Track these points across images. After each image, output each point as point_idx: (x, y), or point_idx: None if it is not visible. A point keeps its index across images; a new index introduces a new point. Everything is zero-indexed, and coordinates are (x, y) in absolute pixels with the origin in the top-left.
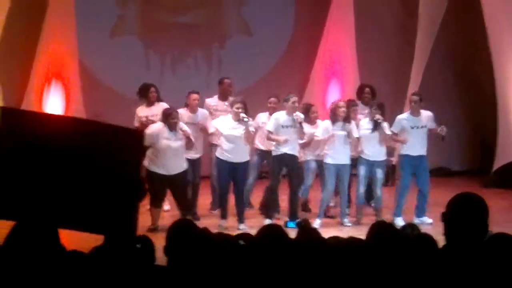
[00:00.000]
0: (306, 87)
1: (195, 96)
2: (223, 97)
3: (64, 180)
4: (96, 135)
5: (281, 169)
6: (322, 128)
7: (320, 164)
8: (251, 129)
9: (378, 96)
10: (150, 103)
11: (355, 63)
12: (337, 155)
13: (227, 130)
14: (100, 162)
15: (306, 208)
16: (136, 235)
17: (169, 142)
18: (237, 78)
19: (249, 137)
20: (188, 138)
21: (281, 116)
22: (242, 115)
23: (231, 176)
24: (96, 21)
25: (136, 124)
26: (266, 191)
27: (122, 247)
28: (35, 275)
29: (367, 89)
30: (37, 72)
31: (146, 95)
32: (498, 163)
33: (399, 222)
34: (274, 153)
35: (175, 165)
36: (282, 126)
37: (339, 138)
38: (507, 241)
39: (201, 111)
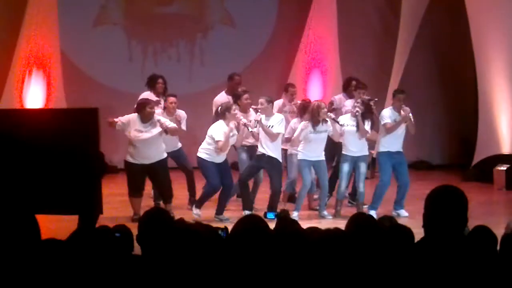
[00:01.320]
0: (287, 78)
1: (172, 99)
2: (231, 92)
3: (26, 168)
4: (50, 120)
5: (261, 165)
6: (300, 130)
7: None
8: (254, 130)
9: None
10: (157, 94)
11: (337, 55)
12: (311, 153)
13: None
14: (57, 145)
15: (293, 200)
16: (101, 211)
17: (140, 134)
18: (219, 69)
19: (241, 141)
20: (165, 130)
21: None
22: (244, 120)
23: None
24: (79, 10)
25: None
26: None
27: (100, 235)
28: (15, 264)
29: (353, 82)
30: (18, 61)
31: (153, 85)
32: (477, 157)
33: (373, 215)
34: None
35: (149, 155)
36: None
37: (315, 140)
38: (486, 234)
39: (179, 112)
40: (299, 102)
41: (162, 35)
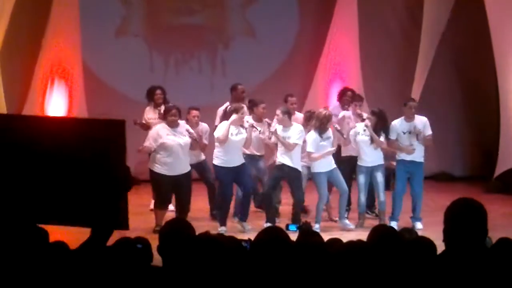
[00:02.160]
0: (309, 89)
1: (195, 112)
2: (236, 102)
3: (49, 178)
4: (76, 130)
5: (281, 176)
6: (310, 142)
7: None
8: (261, 136)
9: (380, 99)
10: (156, 105)
11: (358, 66)
12: (325, 164)
13: (231, 136)
14: (83, 157)
15: (303, 210)
16: (127, 227)
17: (174, 138)
18: (240, 80)
19: (248, 143)
20: (194, 139)
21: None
22: (251, 121)
23: (235, 180)
24: (101, 21)
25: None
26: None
27: (122, 247)
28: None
29: (348, 93)
30: (41, 71)
31: (152, 97)
32: (499, 169)
33: (394, 226)
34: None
35: (180, 165)
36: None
37: (325, 149)
38: (510, 246)
39: (202, 126)
40: (297, 112)
41: (183, 46)
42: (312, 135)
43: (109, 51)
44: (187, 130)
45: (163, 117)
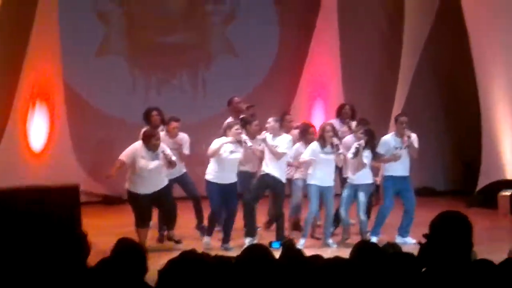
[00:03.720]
0: (290, 107)
1: (174, 124)
2: (235, 115)
3: (7, 246)
4: (30, 200)
5: (264, 190)
6: (309, 149)
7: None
8: (256, 146)
9: (362, 113)
10: (154, 127)
11: (340, 83)
12: (321, 177)
13: (226, 154)
14: (36, 224)
15: (297, 227)
16: None
17: (147, 161)
18: (222, 98)
19: (249, 155)
20: (169, 162)
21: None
22: (244, 137)
23: (223, 198)
24: (82, 41)
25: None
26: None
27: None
28: None
29: (347, 107)
30: (22, 92)
31: (149, 119)
32: (482, 183)
33: (374, 241)
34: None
35: (155, 183)
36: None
37: (325, 162)
38: (489, 268)
39: (182, 136)
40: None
41: (164, 65)
42: (314, 144)
43: (91, 70)
44: (163, 152)
45: (146, 139)
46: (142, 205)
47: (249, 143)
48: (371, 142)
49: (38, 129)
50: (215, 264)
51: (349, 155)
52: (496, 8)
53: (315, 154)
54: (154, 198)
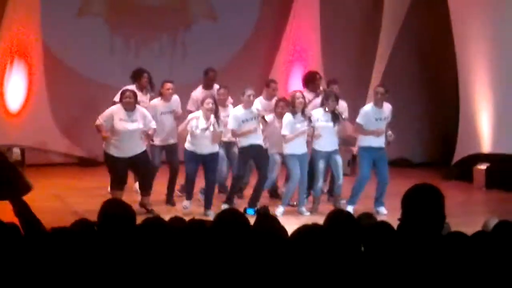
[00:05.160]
0: (269, 72)
1: (168, 85)
2: (208, 87)
3: None
4: None
5: (248, 161)
6: (286, 124)
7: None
8: (220, 129)
9: (340, 84)
10: (141, 88)
11: (319, 51)
12: (297, 146)
13: (198, 131)
14: None
15: (276, 194)
16: (28, 186)
17: (125, 124)
18: (202, 63)
19: (217, 138)
20: (146, 134)
21: (239, 111)
22: (212, 119)
23: (200, 166)
24: (61, 1)
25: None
26: (232, 179)
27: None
28: None
29: (318, 76)
30: (0, 50)
31: (139, 79)
32: (458, 156)
33: (351, 210)
34: (240, 145)
35: (132, 147)
36: (243, 121)
37: (297, 130)
38: (462, 240)
39: (175, 98)
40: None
41: (144, 28)
42: (288, 117)
43: (70, 31)
44: (145, 117)
45: (121, 98)
46: (117, 168)
47: (218, 128)
48: (327, 103)
49: (15, 89)
50: (186, 228)
51: (322, 122)
52: None
53: (291, 127)
54: (130, 163)
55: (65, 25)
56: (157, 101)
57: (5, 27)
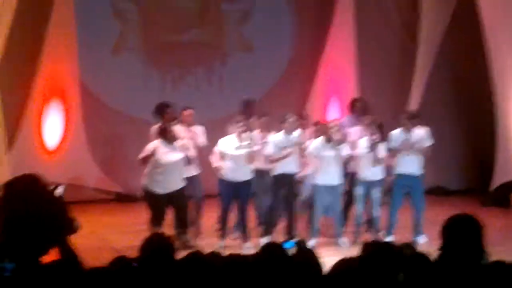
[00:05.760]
0: (306, 104)
1: (189, 111)
2: (248, 117)
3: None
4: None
5: (280, 189)
6: (313, 146)
7: None
8: (255, 148)
9: (378, 115)
10: (167, 122)
11: (355, 81)
12: (327, 176)
13: (232, 150)
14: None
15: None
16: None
17: (170, 156)
18: (238, 96)
19: (251, 158)
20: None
21: (278, 137)
22: (244, 135)
23: (234, 196)
24: (98, 39)
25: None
26: (267, 210)
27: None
28: None
29: (358, 103)
30: (38, 90)
31: (163, 114)
32: (496, 182)
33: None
34: (273, 173)
35: (174, 181)
36: (281, 148)
37: (328, 159)
38: (503, 269)
39: (197, 126)
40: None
41: (180, 62)
42: (317, 141)
43: (107, 69)
44: (182, 145)
45: (163, 133)
46: (158, 205)
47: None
48: (385, 136)
49: (53, 127)
50: (226, 263)
51: (364, 150)
52: None
53: (318, 150)
54: (169, 199)
55: (101, 62)
56: (177, 127)
57: (43, 64)
